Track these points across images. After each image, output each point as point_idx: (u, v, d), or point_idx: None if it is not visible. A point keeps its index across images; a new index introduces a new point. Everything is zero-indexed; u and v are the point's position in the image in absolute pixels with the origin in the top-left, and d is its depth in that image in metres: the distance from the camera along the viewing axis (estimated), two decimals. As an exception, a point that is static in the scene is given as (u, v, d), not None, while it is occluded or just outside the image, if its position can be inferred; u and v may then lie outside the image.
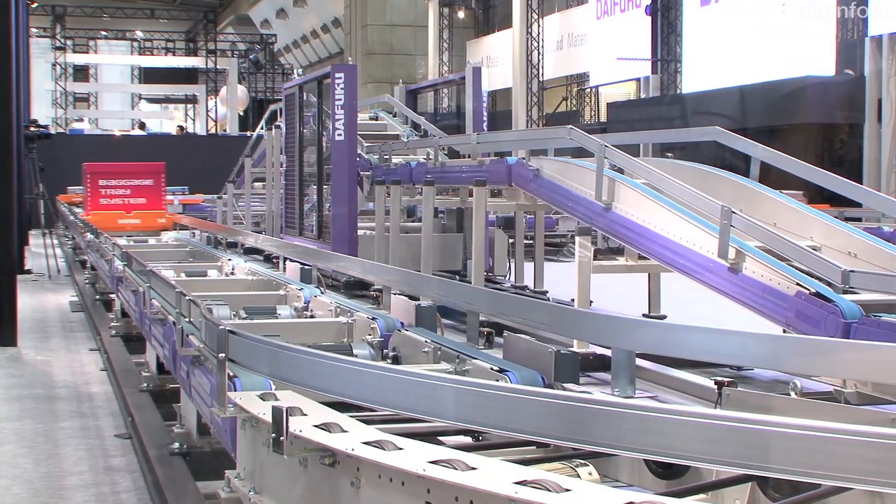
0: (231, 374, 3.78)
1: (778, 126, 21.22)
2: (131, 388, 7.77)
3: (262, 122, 21.52)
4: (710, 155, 13.41)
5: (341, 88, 12.29)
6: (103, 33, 52.39)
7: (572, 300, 7.80)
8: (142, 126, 44.67)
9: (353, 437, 2.87)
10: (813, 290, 5.32)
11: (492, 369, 4.27)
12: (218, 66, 46.73)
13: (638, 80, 28.76)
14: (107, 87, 54.28)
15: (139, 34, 53.20)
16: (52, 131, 33.29)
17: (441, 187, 12.34)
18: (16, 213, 12.00)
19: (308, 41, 51.31)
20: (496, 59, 35.93)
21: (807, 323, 5.21)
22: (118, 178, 16.71)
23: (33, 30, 39.54)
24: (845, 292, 5.30)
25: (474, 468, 2.45)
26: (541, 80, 32.21)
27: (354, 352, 5.15)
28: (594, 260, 7.62)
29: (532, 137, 13.58)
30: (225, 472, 3.76)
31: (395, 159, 13.44)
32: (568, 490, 2.22)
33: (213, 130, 45.85)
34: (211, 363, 3.99)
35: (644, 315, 7.78)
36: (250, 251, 13.18)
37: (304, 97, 13.96)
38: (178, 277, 7.80)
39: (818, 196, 12.75)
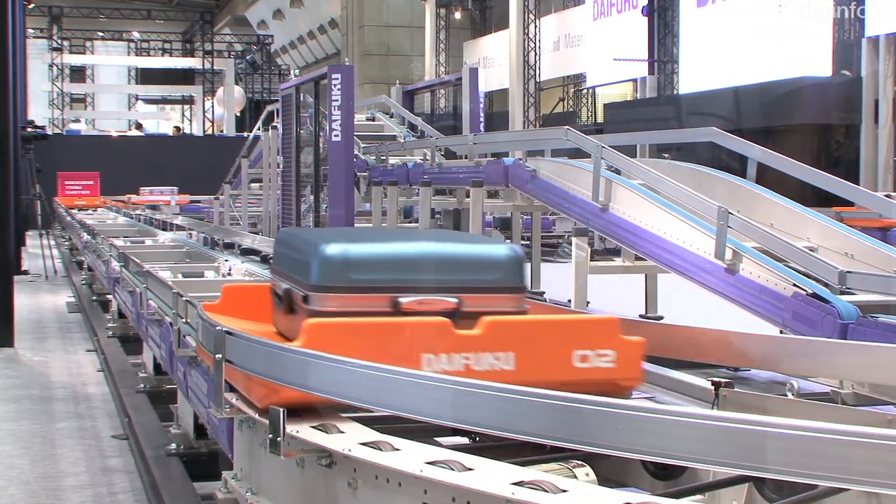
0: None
1: (775, 127, 21.21)
2: (128, 389, 7.76)
3: (259, 123, 21.56)
4: (707, 156, 13.42)
5: (338, 89, 12.29)
6: (100, 34, 52.41)
7: (569, 301, 7.80)
8: (139, 127, 44.75)
9: (350, 438, 2.86)
10: (810, 291, 5.33)
11: None
12: (215, 67, 46.75)
13: (635, 80, 28.75)
14: (104, 87, 54.28)
15: (136, 35, 53.23)
16: (49, 132, 33.35)
17: (438, 188, 12.34)
18: (13, 213, 11.98)
19: (305, 42, 51.28)
20: (493, 59, 35.93)
21: (804, 324, 5.21)
22: (74, 180, 26.61)
23: (30, 31, 39.49)
24: (842, 293, 5.31)
25: (471, 469, 2.45)
26: (537, 80, 32.18)
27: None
28: (591, 261, 7.63)
29: (529, 138, 13.58)
30: (222, 473, 3.76)
31: (392, 160, 13.45)
32: (565, 491, 2.21)
33: (209, 131, 45.91)
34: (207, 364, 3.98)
35: (641, 316, 7.79)
36: (247, 252, 13.17)
37: (301, 98, 13.96)
38: (175, 278, 7.78)
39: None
